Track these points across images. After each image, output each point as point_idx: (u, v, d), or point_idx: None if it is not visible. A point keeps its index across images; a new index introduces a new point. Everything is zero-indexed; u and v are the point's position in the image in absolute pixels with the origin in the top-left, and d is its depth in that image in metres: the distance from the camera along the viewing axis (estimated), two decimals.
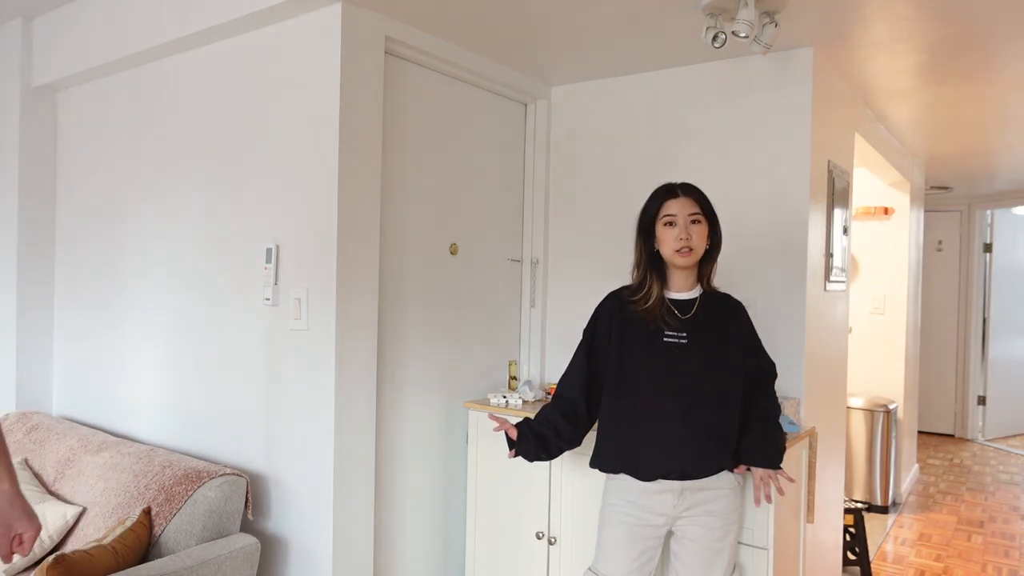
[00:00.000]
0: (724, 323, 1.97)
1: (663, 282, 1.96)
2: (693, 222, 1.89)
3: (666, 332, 1.92)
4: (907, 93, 3.10)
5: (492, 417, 2.01)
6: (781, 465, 1.96)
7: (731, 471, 1.95)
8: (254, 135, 2.40)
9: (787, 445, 2.09)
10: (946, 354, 6.74)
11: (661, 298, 1.94)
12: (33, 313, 3.14)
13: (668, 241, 1.90)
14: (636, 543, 1.92)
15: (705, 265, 1.97)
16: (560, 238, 3.05)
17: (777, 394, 2.46)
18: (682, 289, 1.96)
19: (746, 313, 2.04)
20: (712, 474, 1.91)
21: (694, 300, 1.95)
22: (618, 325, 1.98)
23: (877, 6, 2.16)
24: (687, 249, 1.87)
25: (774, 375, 2.08)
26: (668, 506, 1.90)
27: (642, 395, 1.91)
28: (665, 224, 1.91)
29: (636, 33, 2.43)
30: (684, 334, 1.91)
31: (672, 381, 1.89)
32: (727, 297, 2.03)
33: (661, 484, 1.90)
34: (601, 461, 2.01)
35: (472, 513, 2.68)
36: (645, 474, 1.91)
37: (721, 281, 2.68)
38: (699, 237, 1.90)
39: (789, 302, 2.53)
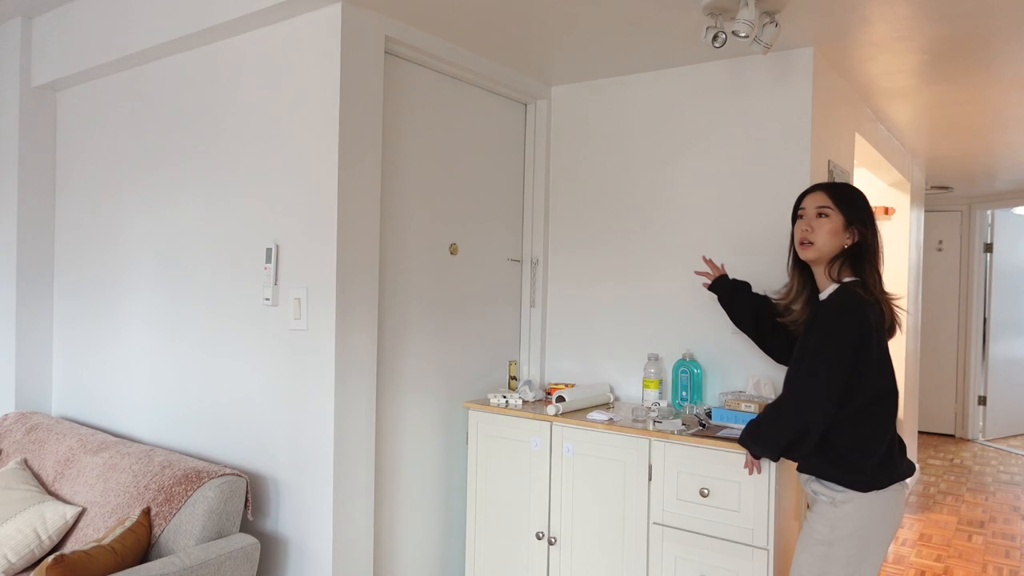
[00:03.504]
0: (812, 326, 1.88)
1: (807, 276, 1.98)
2: (819, 215, 1.87)
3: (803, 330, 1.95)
4: (907, 93, 3.10)
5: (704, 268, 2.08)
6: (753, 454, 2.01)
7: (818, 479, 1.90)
8: (254, 135, 2.40)
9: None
10: (946, 354, 6.74)
11: (799, 288, 1.97)
12: (32, 313, 3.14)
13: (795, 235, 1.92)
14: None
15: (835, 263, 1.87)
16: (560, 238, 3.05)
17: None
18: (821, 289, 1.94)
19: (825, 321, 1.81)
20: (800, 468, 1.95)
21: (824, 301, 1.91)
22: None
23: (877, 6, 2.16)
24: (807, 242, 1.88)
25: (784, 397, 1.88)
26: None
27: None
28: (797, 219, 1.94)
29: (636, 33, 2.43)
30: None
31: None
32: (836, 296, 1.84)
33: None
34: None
35: (472, 513, 2.67)
36: None
37: None
38: (823, 231, 1.86)
39: None
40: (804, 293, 1.97)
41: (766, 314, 2.20)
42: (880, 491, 1.81)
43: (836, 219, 1.86)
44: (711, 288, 2.39)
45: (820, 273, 1.93)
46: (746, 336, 2.56)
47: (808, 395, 1.79)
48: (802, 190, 2.50)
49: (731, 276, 2.44)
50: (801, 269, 1.99)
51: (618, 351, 2.88)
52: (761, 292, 2.55)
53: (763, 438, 1.93)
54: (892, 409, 1.83)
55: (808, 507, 2.01)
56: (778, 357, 2.26)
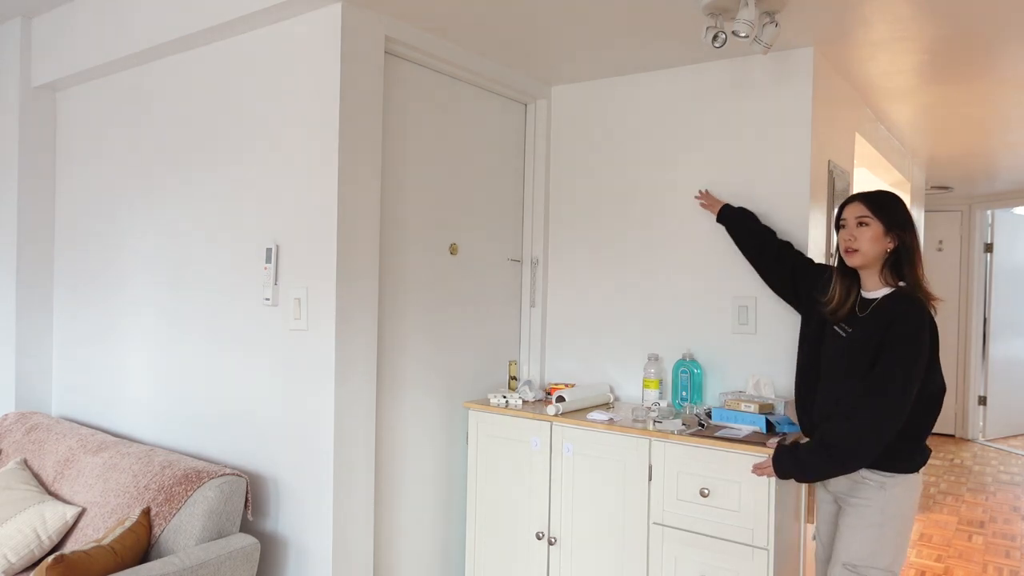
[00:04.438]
0: (875, 329, 1.94)
1: (851, 281, 2.08)
2: (860, 224, 2.00)
3: (840, 323, 2.06)
4: (907, 93, 3.10)
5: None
6: (779, 474, 2.00)
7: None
8: (254, 135, 2.40)
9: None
10: (946, 354, 6.73)
11: (842, 295, 2.07)
12: (32, 313, 3.14)
13: (840, 244, 2.06)
14: None
15: (887, 267, 2.00)
16: (560, 238, 3.05)
17: (786, 400, 2.46)
18: (868, 288, 2.05)
19: (898, 329, 1.89)
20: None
21: (874, 300, 2.01)
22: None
23: (877, 6, 2.16)
24: (851, 250, 2.01)
25: (855, 414, 1.89)
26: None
27: (800, 368, 2.18)
28: (839, 228, 2.07)
29: (636, 33, 2.43)
30: (850, 328, 2.01)
31: (824, 365, 2.07)
32: (905, 306, 1.92)
33: None
34: None
35: (472, 513, 2.67)
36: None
37: (724, 279, 2.68)
38: (865, 238, 1.98)
39: None
40: (852, 297, 2.06)
41: (772, 247, 2.43)
42: (918, 472, 1.97)
43: (876, 227, 1.99)
44: (719, 220, 2.58)
45: (869, 275, 2.04)
46: (746, 336, 2.56)
47: (892, 416, 1.86)
48: (802, 190, 2.51)
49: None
50: (843, 276, 2.09)
51: (618, 351, 2.88)
52: (755, 292, 2.55)
53: (843, 462, 1.92)
54: (942, 401, 1.98)
55: (820, 492, 2.12)
56: (776, 287, 2.43)
